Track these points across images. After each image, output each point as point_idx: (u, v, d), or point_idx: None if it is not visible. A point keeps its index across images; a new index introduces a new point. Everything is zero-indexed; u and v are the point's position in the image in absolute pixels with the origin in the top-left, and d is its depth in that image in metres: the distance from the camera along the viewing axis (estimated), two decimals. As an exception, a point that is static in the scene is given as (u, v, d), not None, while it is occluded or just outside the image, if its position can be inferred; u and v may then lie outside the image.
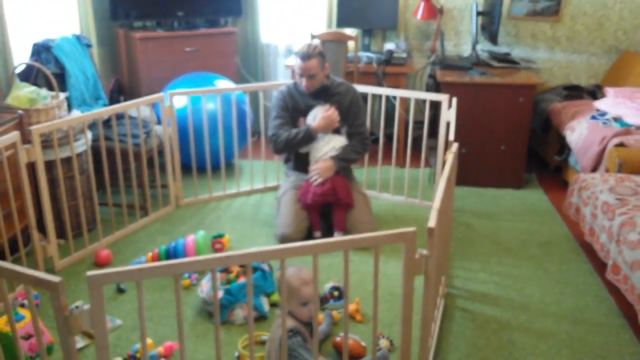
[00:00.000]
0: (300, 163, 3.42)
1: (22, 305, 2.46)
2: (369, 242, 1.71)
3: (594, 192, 3.01)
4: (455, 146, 2.55)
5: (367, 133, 3.44)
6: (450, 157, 2.41)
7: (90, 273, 1.44)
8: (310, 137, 3.27)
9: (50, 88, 3.23)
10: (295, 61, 3.27)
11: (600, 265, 2.99)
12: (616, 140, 3.43)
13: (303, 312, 2.17)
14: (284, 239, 3.14)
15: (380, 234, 1.69)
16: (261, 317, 2.52)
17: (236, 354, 2.32)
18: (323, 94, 3.33)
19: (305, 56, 3.20)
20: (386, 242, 1.69)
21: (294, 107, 3.37)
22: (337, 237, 1.70)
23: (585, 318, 2.62)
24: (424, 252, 1.73)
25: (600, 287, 2.87)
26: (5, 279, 1.60)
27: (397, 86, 4.32)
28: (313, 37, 4.22)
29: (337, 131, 3.36)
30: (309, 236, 3.24)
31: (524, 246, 3.27)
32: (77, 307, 1.48)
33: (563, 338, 2.47)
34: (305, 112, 3.35)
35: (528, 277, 2.95)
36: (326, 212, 3.31)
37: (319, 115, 3.26)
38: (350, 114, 3.37)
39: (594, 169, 3.54)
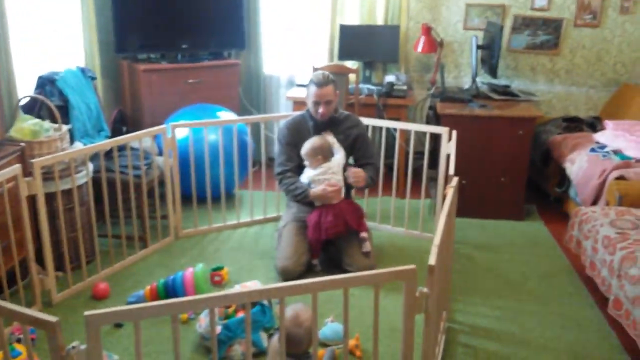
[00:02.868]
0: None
1: (19, 341, 2.44)
2: (368, 281, 1.70)
3: (595, 225, 3.00)
4: (455, 180, 2.56)
5: (378, 163, 3.51)
6: (450, 191, 2.42)
7: (88, 313, 1.43)
8: (305, 199, 3.26)
9: (54, 120, 3.26)
10: (309, 89, 3.27)
11: (602, 299, 2.96)
12: (616, 173, 3.43)
13: None
14: (284, 272, 3.12)
15: (380, 273, 1.68)
16: (260, 353, 2.49)
17: (234, 390, 2.29)
18: (330, 126, 3.35)
19: (322, 83, 3.23)
20: (386, 280, 1.69)
21: (300, 141, 3.35)
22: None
23: (586, 353, 2.59)
24: (425, 290, 1.72)
25: (602, 322, 2.84)
26: (1, 316, 1.59)
27: (397, 118, 4.34)
28: (315, 69, 4.26)
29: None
30: (309, 269, 3.23)
31: (525, 279, 3.25)
32: (74, 347, 1.47)
33: (565, 375, 2.45)
34: None
35: (529, 311, 2.93)
36: (328, 243, 3.31)
37: (323, 183, 3.22)
38: (358, 146, 3.41)
39: (595, 202, 3.53)
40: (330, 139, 3.33)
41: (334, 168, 3.25)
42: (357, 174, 3.30)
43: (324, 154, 3.26)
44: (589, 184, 3.58)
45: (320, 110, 3.27)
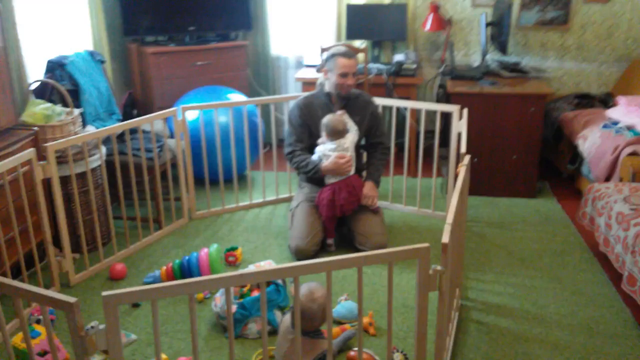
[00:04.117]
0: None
1: (38, 322, 2.47)
2: (382, 259, 1.71)
3: (608, 202, 2.99)
4: (467, 158, 2.55)
5: (388, 142, 3.51)
6: (462, 169, 2.41)
7: (105, 293, 1.45)
8: (317, 173, 3.25)
9: (65, 104, 3.27)
10: (335, 61, 3.22)
11: (615, 276, 2.96)
12: (629, 150, 3.41)
13: None
14: (298, 251, 3.14)
15: (394, 251, 1.69)
16: (275, 331, 2.52)
17: (250, 368, 2.32)
18: (345, 104, 3.34)
19: (350, 54, 3.24)
20: (400, 258, 1.70)
21: (311, 121, 3.34)
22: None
23: (600, 329, 2.60)
24: (438, 267, 1.73)
25: (616, 298, 2.84)
26: (21, 297, 1.62)
27: (407, 97, 4.32)
28: (323, 49, 4.24)
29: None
30: (323, 248, 3.25)
31: (538, 256, 3.25)
32: (92, 327, 1.50)
33: (578, 349, 2.45)
34: None
35: (542, 288, 2.93)
36: (341, 223, 3.32)
37: (333, 156, 3.20)
38: (371, 124, 3.41)
39: (608, 178, 3.51)
40: (345, 118, 3.32)
41: (346, 144, 3.24)
42: (370, 200, 3.32)
43: (341, 133, 3.25)
44: (602, 160, 3.56)
45: (349, 81, 3.25)
